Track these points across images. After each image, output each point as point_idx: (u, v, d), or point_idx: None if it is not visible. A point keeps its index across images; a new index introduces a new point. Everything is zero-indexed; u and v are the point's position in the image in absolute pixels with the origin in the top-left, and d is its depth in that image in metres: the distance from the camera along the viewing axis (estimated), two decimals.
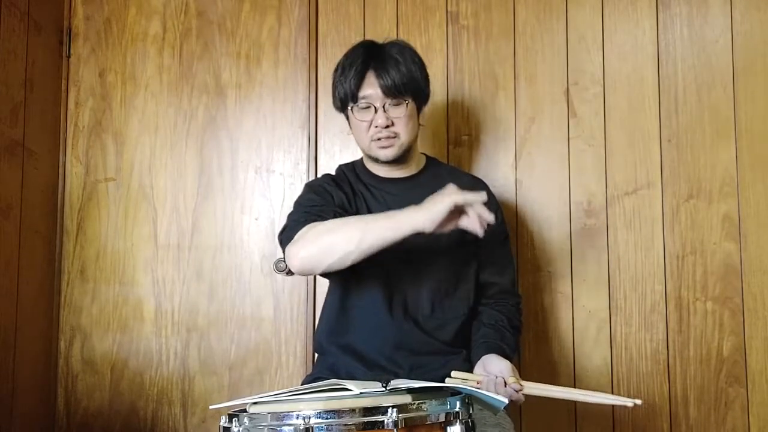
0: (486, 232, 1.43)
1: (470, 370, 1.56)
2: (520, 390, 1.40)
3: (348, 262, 1.47)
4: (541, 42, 2.16)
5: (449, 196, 1.39)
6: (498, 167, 2.14)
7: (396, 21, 2.22)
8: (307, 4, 2.26)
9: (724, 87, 2.07)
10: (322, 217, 1.55)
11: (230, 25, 2.29)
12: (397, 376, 1.54)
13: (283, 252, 1.57)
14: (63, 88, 2.31)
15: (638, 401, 1.27)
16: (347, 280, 1.65)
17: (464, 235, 1.46)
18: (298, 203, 1.67)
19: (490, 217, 1.39)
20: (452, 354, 1.62)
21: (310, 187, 1.73)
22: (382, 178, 1.72)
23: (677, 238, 2.05)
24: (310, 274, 1.59)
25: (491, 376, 1.44)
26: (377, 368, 1.58)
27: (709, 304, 2.03)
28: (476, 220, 1.39)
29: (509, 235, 1.81)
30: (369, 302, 1.62)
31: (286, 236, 1.57)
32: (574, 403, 2.05)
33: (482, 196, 1.41)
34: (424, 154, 1.80)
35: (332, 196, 1.66)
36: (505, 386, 1.41)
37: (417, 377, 1.47)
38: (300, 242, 1.50)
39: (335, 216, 1.56)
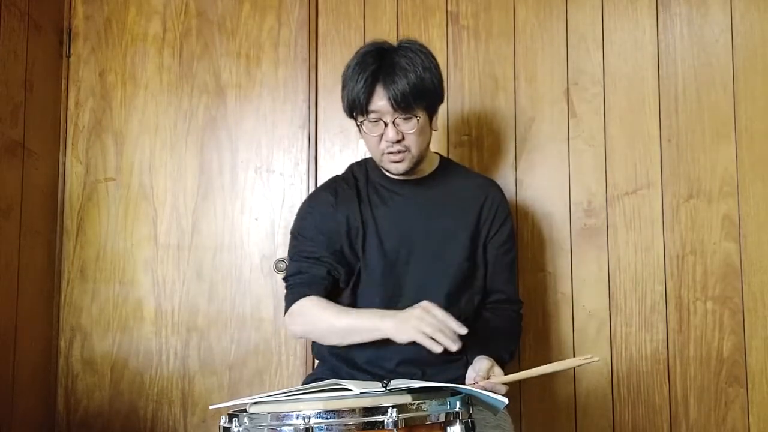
0: (497, 241, 1.66)
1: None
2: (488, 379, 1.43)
3: (334, 344, 1.62)
4: (541, 42, 2.16)
5: (415, 329, 1.43)
6: (498, 167, 2.14)
7: (396, 21, 2.22)
8: (307, 4, 2.26)
9: (724, 87, 2.07)
10: (313, 277, 1.63)
11: (230, 25, 2.29)
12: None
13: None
14: (63, 88, 2.31)
15: (596, 358, 1.33)
16: (351, 292, 1.64)
17: (472, 247, 1.58)
18: (294, 245, 1.71)
19: (452, 348, 1.41)
20: (453, 362, 1.59)
21: (305, 219, 1.72)
22: (393, 179, 1.69)
23: (677, 238, 2.05)
24: None
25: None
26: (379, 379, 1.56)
27: (709, 304, 2.03)
28: (436, 345, 1.42)
29: (516, 243, 1.80)
30: None
31: (286, 298, 1.67)
32: (575, 403, 2.05)
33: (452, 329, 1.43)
34: (437, 153, 1.77)
35: (329, 236, 1.65)
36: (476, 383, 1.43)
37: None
38: (292, 317, 1.65)
39: (328, 272, 1.63)
